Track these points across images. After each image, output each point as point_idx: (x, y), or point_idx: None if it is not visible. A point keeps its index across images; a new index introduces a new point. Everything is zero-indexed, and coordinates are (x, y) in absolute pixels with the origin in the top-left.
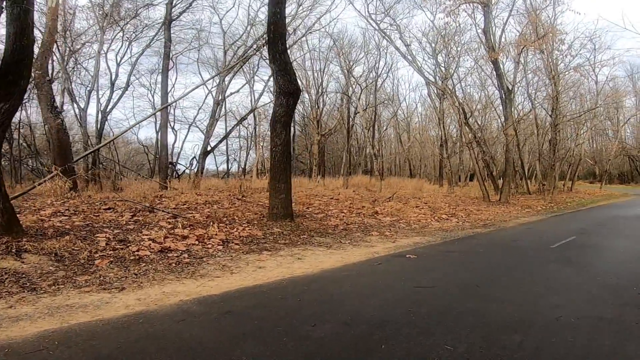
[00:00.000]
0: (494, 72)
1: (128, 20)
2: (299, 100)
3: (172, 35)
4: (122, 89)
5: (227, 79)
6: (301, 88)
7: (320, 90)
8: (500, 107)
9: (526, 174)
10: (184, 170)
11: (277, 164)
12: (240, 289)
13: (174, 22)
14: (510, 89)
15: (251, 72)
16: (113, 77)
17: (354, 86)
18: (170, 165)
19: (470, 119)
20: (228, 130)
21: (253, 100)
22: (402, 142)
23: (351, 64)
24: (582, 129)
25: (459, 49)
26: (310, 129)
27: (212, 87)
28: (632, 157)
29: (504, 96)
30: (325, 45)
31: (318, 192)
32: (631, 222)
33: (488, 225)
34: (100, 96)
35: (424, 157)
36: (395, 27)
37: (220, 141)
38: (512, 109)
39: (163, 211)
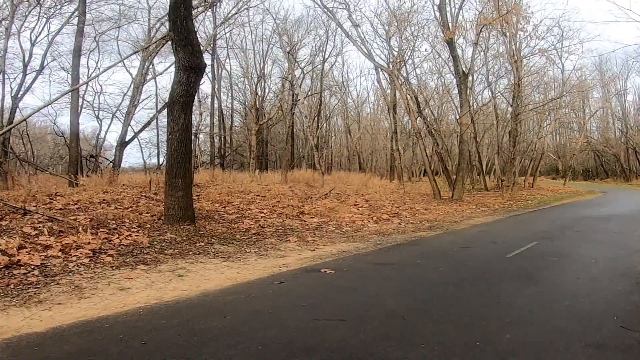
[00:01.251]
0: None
1: None
2: (234, 86)
3: (98, 12)
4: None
5: (154, 61)
6: (206, 63)
7: (260, 75)
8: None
9: (484, 168)
10: (110, 163)
11: (174, 155)
12: (76, 323)
13: None
14: (466, 73)
15: None
16: (26, 58)
17: (296, 71)
18: (91, 158)
19: (425, 109)
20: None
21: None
22: (352, 134)
23: (295, 46)
24: (545, 120)
25: (413, 30)
26: (249, 118)
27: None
28: (598, 152)
29: (459, 81)
30: (270, 27)
31: (247, 188)
32: (601, 224)
33: (435, 227)
34: (12, 80)
35: (376, 150)
36: (344, 5)
37: (140, 131)
38: (469, 96)
39: (37, 213)
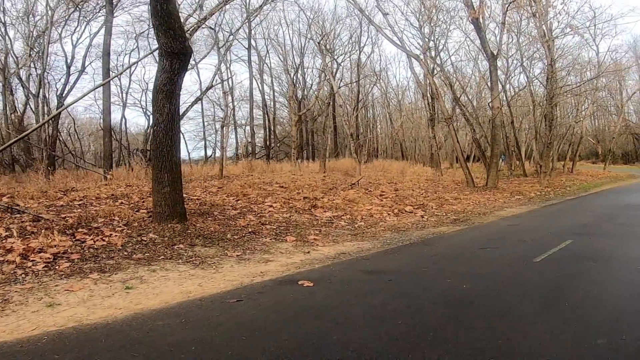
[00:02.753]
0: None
1: None
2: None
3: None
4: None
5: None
6: (191, 48)
7: (297, 68)
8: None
9: (522, 154)
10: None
11: (159, 147)
12: None
13: None
14: (494, 54)
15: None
16: (69, 59)
17: (330, 62)
18: (139, 153)
19: (461, 96)
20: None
21: (231, 80)
22: (393, 122)
23: (325, 36)
24: (583, 104)
25: (445, 17)
26: (289, 110)
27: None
28: (636, 135)
29: (488, 63)
30: (305, 22)
31: (274, 179)
32: None
33: (460, 220)
34: (57, 80)
35: (419, 138)
36: None
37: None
38: (505, 81)
39: (25, 212)
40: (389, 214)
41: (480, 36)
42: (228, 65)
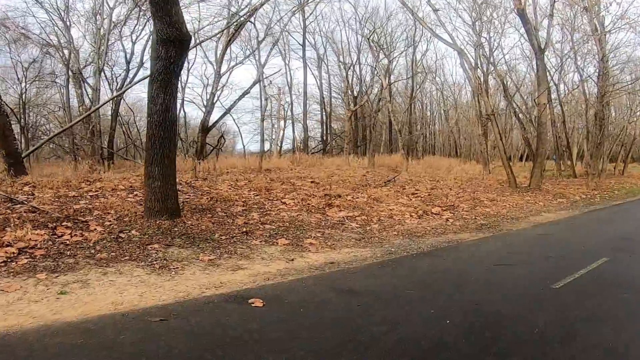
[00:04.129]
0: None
1: None
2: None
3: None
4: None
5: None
6: (191, 35)
7: (350, 64)
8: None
9: (573, 155)
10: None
11: (151, 140)
12: None
13: None
14: (542, 48)
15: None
16: (128, 56)
17: (379, 56)
18: (195, 144)
19: (515, 94)
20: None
21: (289, 75)
22: (449, 120)
23: (374, 32)
24: (637, 103)
25: (499, 15)
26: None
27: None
28: None
29: (535, 57)
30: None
31: (316, 174)
32: None
33: (487, 226)
34: (117, 75)
35: (474, 136)
36: None
37: (221, 117)
38: (559, 81)
39: (20, 202)
40: (411, 216)
41: (526, 29)
42: (287, 61)
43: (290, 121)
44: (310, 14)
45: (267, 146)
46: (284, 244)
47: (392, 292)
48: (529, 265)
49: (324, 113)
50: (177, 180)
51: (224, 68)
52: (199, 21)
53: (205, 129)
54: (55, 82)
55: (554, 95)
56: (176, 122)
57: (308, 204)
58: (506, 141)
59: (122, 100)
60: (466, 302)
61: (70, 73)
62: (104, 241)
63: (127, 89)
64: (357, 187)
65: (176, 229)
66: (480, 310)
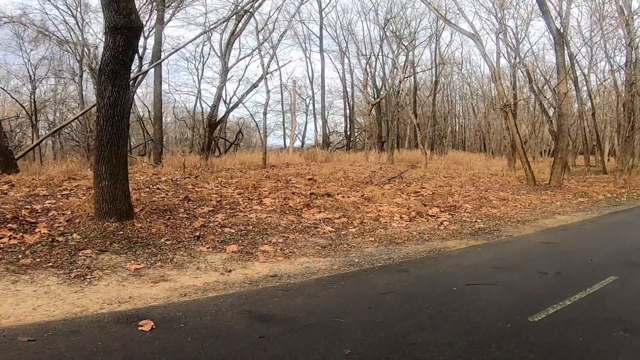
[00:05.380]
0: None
1: None
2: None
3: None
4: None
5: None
6: (140, 22)
7: (369, 56)
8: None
9: (604, 149)
10: (231, 145)
11: (99, 136)
12: None
13: None
14: (561, 32)
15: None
16: (140, 50)
17: (399, 47)
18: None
19: (544, 86)
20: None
21: (310, 68)
22: (476, 113)
23: (389, 21)
24: None
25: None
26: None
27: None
28: None
29: (554, 42)
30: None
31: (323, 170)
32: None
33: (483, 231)
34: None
35: (504, 129)
36: None
37: (229, 111)
38: (589, 71)
39: None
40: (401, 218)
41: (543, 10)
42: (308, 54)
43: (312, 116)
44: (327, 5)
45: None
46: (232, 251)
47: (316, 319)
48: (512, 286)
49: (347, 107)
50: (165, 177)
51: (232, 61)
52: (206, 14)
53: (212, 124)
54: (72, 78)
55: (584, 87)
56: (127, 116)
57: (286, 204)
58: (536, 136)
59: (134, 95)
60: (390, 342)
61: (83, 69)
62: (39, 245)
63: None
64: (357, 184)
65: (121, 233)
66: (449, 330)
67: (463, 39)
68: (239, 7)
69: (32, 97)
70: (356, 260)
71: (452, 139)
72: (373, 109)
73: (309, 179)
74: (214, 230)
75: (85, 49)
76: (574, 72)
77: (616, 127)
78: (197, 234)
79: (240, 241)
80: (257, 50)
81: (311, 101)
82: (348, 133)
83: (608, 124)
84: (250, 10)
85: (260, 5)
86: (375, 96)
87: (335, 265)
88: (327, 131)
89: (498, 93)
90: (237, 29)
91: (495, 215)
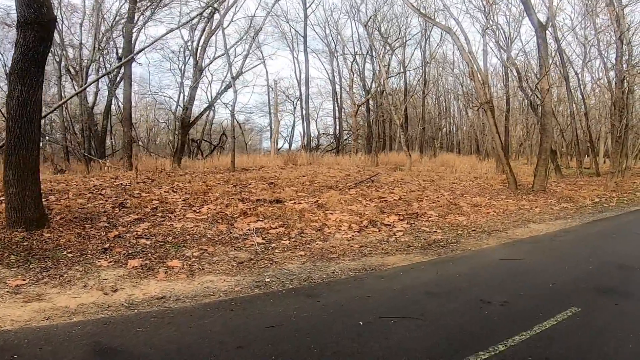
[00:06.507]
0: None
1: None
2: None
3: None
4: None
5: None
6: (55, 16)
7: (355, 55)
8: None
9: (598, 151)
10: (214, 148)
11: (7, 139)
12: None
13: None
14: (543, 24)
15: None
16: (119, 51)
17: (385, 46)
18: (193, 143)
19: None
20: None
21: (297, 69)
22: (469, 115)
23: (370, 19)
24: None
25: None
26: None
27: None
28: None
29: (536, 35)
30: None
31: (293, 174)
32: None
33: (438, 244)
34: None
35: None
36: None
37: (202, 113)
38: (581, 69)
39: None
40: (350, 227)
41: (523, 1)
42: (296, 55)
43: (300, 117)
44: (312, 3)
45: (280, 143)
46: (132, 267)
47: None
48: (439, 321)
49: (336, 109)
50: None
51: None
52: (180, 10)
53: (184, 125)
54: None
55: (575, 85)
56: (38, 118)
57: (222, 211)
58: (531, 137)
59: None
60: None
61: (63, 71)
62: None
63: (90, 84)
64: (319, 189)
65: (25, 243)
66: None
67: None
68: (206, 4)
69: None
70: (267, 280)
71: (446, 141)
72: (360, 110)
73: (270, 184)
74: (127, 242)
75: (64, 50)
76: (564, 70)
77: (610, 128)
78: (107, 245)
79: (149, 255)
80: (226, 50)
81: (299, 102)
82: (337, 135)
83: (603, 125)
84: (216, 7)
85: (234, 4)
86: (365, 97)
87: (240, 286)
88: (312, 133)
89: (476, 90)
90: (208, 27)
91: (460, 224)
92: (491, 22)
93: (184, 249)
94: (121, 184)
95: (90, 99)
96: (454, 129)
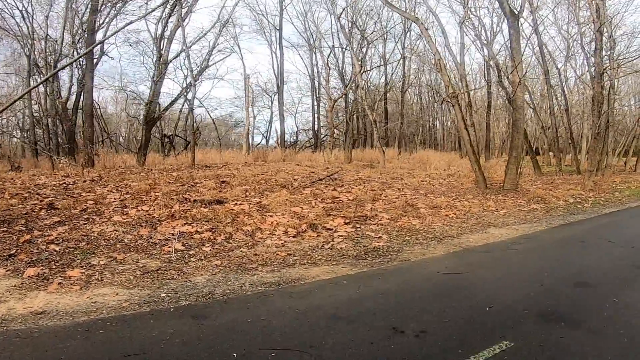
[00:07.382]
0: None
1: None
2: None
3: None
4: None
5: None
6: None
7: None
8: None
9: (579, 148)
10: (188, 144)
11: None
12: None
13: None
14: (515, 13)
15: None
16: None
17: (361, 40)
18: (165, 139)
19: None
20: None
21: (276, 63)
22: (450, 110)
23: (343, 11)
24: None
25: None
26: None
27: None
28: None
29: (507, 25)
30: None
31: (256, 171)
32: None
33: (375, 252)
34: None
35: (482, 129)
36: None
37: (168, 107)
38: (563, 65)
39: None
40: (286, 232)
41: None
42: (274, 49)
43: (278, 113)
44: None
45: (258, 139)
46: (29, 276)
47: None
48: (327, 357)
49: (314, 104)
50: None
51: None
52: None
53: (148, 121)
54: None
55: (557, 81)
56: None
57: (150, 214)
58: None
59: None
60: None
61: (35, 65)
62: None
63: (48, 77)
64: (271, 188)
65: None
66: None
67: (436, 33)
68: None
69: None
70: (163, 295)
71: (428, 137)
72: (341, 106)
73: (222, 182)
74: (36, 248)
75: (36, 43)
76: (545, 65)
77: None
78: (13, 252)
79: (53, 262)
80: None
81: (276, 97)
82: (316, 131)
83: (586, 122)
84: None
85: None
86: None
87: (130, 301)
88: (290, 129)
89: (443, 82)
90: (171, 19)
91: (412, 229)
92: (470, 15)
93: (93, 256)
94: (64, 183)
95: (64, 93)
96: (437, 125)
